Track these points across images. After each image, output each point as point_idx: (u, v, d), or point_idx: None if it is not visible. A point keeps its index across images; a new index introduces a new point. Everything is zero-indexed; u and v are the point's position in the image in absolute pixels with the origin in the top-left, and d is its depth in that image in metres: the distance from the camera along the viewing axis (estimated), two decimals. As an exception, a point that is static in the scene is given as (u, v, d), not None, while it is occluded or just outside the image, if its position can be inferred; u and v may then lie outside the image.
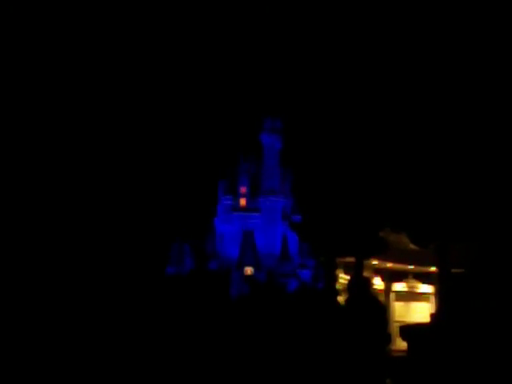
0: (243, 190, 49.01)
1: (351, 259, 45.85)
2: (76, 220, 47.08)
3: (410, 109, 47.81)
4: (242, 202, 48.93)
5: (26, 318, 40.64)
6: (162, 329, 42.47)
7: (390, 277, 46.39)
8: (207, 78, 49.28)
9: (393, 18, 48.04)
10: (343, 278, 46.78)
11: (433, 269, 44.97)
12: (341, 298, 45.30)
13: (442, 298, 42.97)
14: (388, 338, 43.02)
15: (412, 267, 45.97)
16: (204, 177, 49.96)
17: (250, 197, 48.87)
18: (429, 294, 45.97)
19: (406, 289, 46.81)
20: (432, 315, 42.31)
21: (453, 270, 43.23)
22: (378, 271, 46.61)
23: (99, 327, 42.03)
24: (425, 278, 45.99)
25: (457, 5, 44.20)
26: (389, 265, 46.09)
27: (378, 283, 46.87)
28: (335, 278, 46.70)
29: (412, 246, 46.35)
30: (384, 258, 45.92)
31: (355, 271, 45.39)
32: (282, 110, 48.50)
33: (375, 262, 46.10)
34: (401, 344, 40.33)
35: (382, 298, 46.02)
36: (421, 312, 45.58)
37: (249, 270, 46.87)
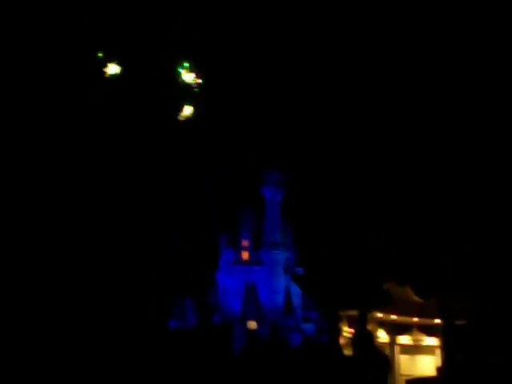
0: (245, 243, 48.75)
1: (355, 312, 45.77)
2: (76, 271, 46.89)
3: (406, 160, 48.26)
4: (244, 255, 48.66)
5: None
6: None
7: (395, 329, 46.17)
8: (207, 132, 49.57)
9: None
10: (347, 332, 46.52)
11: (437, 321, 44.87)
12: (345, 352, 45.01)
13: (447, 350, 42.89)
14: (394, 392, 42.75)
15: (416, 320, 45.81)
16: (205, 230, 49.88)
17: (252, 250, 48.62)
18: (434, 346, 45.72)
19: (410, 342, 46.54)
20: (438, 368, 42.14)
21: (457, 322, 43.26)
22: (382, 324, 46.41)
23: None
24: (429, 331, 45.81)
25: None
26: (393, 317, 45.91)
27: (382, 336, 46.60)
28: (339, 332, 46.48)
29: (416, 299, 46.34)
30: (388, 310, 45.83)
31: (359, 324, 45.30)
32: (284, 162, 48.75)
33: (379, 315, 45.93)
34: (407, 398, 40.06)
35: (386, 351, 45.74)
36: (427, 365, 45.27)
37: (252, 324, 46.41)
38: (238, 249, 48.96)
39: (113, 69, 46.16)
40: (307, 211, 49.15)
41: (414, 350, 45.97)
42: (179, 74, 46.37)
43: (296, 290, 48.05)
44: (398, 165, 48.12)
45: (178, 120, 47.14)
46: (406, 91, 48.47)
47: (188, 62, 46.43)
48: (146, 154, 49.27)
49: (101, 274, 47.02)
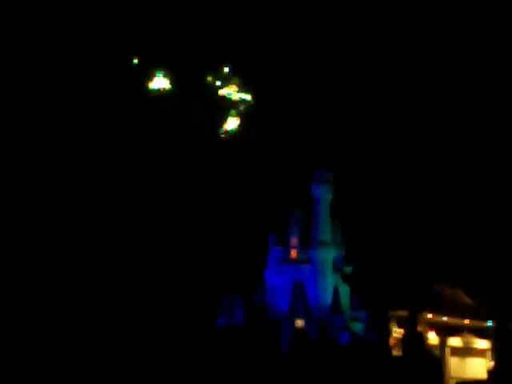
0: (294, 241, 48.48)
1: (404, 312, 45.38)
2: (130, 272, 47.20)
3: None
4: (293, 253, 48.41)
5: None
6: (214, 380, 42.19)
7: (445, 331, 45.88)
8: (257, 131, 49.55)
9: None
10: (396, 332, 46.19)
11: (489, 323, 44.28)
12: (395, 352, 44.68)
13: (499, 353, 42.30)
14: (444, 395, 42.33)
15: (467, 321, 45.35)
16: (254, 228, 49.81)
17: (300, 248, 48.37)
18: (485, 349, 45.21)
19: (461, 344, 46.20)
20: (489, 371, 41.60)
21: (510, 325, 42.61)
22: (433, 325, 46.10)
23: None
24: (481, 333, 45.33)
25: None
26: (443, 319, 45.49)
27: (432, 337, 46.21)
28: (388, 332, 46.11)
29: (467, 300, 45.83)
30: (438, 311, 45.41)
31: (409, 325, 44.96)
32: (333, 160, 48.45)
33: (429, 316, 45.52)
34: (457, 401, 39.64)
35: (436, 352, 45.32)
36: (477, 368, 44.81)
37: (299, 323, 46.25)
38: (287, 247, 48.70)
39: (159, 83, 46.14)
40: (357, 210, 48.83)
41: (465, 352, 45.66)
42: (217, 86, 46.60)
43: (344, 289, 47.80)
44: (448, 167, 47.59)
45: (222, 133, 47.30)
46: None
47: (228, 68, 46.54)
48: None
49: (155, 270, 47.28)
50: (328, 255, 47.60)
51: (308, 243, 48.32)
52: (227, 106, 45.85)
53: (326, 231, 47.93)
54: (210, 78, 46.31)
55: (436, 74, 46.48)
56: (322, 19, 48.34)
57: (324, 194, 48.10)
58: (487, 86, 44.42)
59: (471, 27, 44.00)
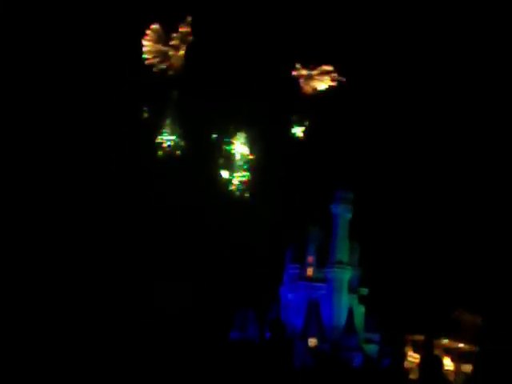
0: (310, 259, 48.12)
1: (420, 337, 44.81)
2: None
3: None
4: (309, 271, 48.03)
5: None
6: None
7: (461, 358, 45.12)
8: (278, 149, 49.41)
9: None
10: (412, 357, 45.56)
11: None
12: (409, 377, 44.03)
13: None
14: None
15: (484, 349, 44.74)
16: (272, 244, 49.39)
17: (317, 266, 47.98)
18: (501, 378, 44.55)
19: (477, 371, 45.42)
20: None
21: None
22: (448, 351, 45.43)
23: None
24: (497, 362, 44.64)
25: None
26: (460, 345, 44.91)
27: (447, 363, 45.57)
28: (403, 356, 45.54)
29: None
30: (455, 337, 44.88)
31: (426, 350, 44.34)
32: (355, 181, 48.23)
33: (446, 342, 45.01)
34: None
35: (451, 378, 44.73)
36: (492, 396, 44.08)
37: (313, 342, 45.71)
38: (303, 265, 48.32)
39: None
40: (376, 231, 48.50)
41: (480, 379, 44.77)
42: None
43: (359, 310, 47.30)
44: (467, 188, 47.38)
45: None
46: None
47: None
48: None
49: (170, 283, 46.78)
50: (344, 275, 47.23)
51: (325, 262, 47.92)
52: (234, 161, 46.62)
53: (343, 251, 47.60)
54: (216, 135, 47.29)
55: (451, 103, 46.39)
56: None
57: (343, 214, 47.85)
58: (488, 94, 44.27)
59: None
